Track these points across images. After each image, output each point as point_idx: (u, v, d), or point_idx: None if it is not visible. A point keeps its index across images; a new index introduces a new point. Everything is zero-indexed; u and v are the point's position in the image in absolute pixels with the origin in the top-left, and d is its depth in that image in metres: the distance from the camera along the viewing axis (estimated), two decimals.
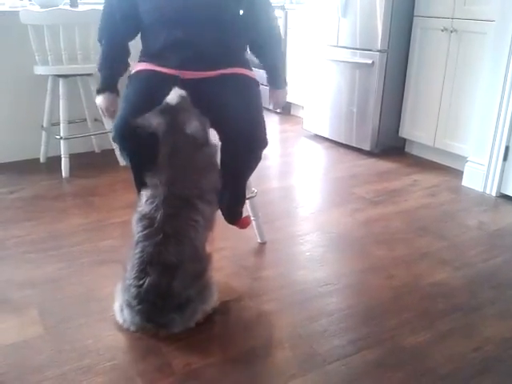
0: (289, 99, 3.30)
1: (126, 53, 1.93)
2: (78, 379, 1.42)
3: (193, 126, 1.58)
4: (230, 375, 1.45)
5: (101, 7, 1.92)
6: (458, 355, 1.54)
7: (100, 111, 2.03)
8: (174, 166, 1.60)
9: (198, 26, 1.76)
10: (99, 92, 1.94)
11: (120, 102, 1.88)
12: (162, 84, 1.70)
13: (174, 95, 1.61)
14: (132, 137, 1.66)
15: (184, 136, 1.58)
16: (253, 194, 2.13)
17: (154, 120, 1.57)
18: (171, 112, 1.59)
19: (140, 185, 1.72)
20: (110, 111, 1.97)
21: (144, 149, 1.67)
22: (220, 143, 1.76)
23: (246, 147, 1.75)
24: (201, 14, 1.76)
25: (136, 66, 1.90)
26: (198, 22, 1.76)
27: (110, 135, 1.90)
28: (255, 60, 1.99)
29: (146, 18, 1.81)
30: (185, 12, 1.75)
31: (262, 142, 1.80)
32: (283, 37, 4.24)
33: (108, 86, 1.93)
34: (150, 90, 1.75)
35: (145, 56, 1.89)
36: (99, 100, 1.94)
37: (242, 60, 1.92)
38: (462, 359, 1.52)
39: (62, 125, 2.96)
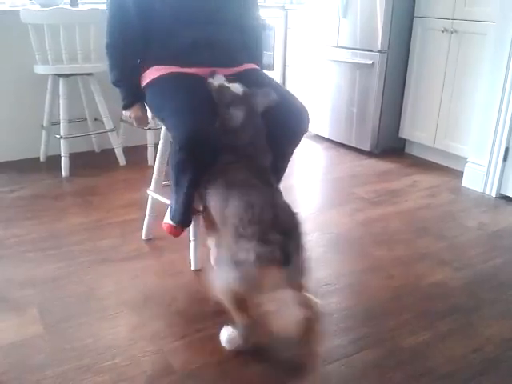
0: None
1: (139, 57, 1.88)
2: (78, 378, 1.42)
3: (260, 104, 1.68)
4: (229, 375, 1.45)
5: (101, 6, 1.91)
6: (457, 356, 1.54)
7: (128, 119, 1.99)
8: (257, 146, 1.66)
9: (220, 25, 1.84)
10: (128, 106, 1.89)
11: (157, 110, 1.81)
12: (200, 82, 1.73)
13: (235, 85, 1.69)
14: (207, 141, 1.61)
15: (259, 116, 1.68)
16: None
17: (239, 113, 1.63)
18: (245, 100, 1.66)
19: (196, 185, 1.71)
20: (144, 121, 1.93)
21: (216, 150, 1.64)
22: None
23: (297, 115, 1.79)
24: (220, 14, 1.85)
25: (153, 70, 1.82)
26: (219, 22, 1.85)
27: (176, 144, 1.66)
28: None
29: (165, 18, 1.79)
30: (208, 12, 1.82)
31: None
32: (283, 37, 4.24)
33: (136, 97, 1.88)
34: (197, 90, 1.72)
35: (159, 59, 1.83)
36: (131, 113, 1.90)
37: (252, 56, 2.00)
38: (462, 360, 1.52)
39: (62, 124, 2.96)
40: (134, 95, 1.88)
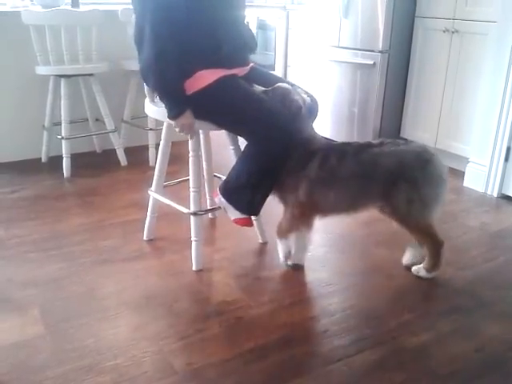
0: None
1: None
2: (79, 379, 1.42)
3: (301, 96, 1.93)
4: (231, 375, 1.45)
5: (102, 7, 1.89)
6: (459, 356, 1.54)
7: (179, 130, 1.85)
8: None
9: (242, 25, 1.96)
10: (179, 114, 1.80)
11: (227, 113, 1.82)
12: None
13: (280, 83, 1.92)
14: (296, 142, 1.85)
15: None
16: None
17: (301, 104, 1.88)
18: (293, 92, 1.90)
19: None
20: (193, 127, 1.86)
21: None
22: None
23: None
24: (241, 15, 1.96)
25: (203, 74, 1.80)
26: (242, 22, 1.96)
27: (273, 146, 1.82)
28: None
29: (211, 20, 1.80)
30: (236, 14, 1.91)
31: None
32: (284, 37, 4.24)
33: (186, 104, 1.81)
34: (253, 91, 1.87)
35: (205, 63, 1.81)
36: (182, 121, 1.81)
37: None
38: (464, 360, 1.52)
39: (63, 125, 2.96)
40: (184, 102, 1.80)
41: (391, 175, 1.76)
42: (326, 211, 1.92)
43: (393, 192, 1.78)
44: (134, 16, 1.82)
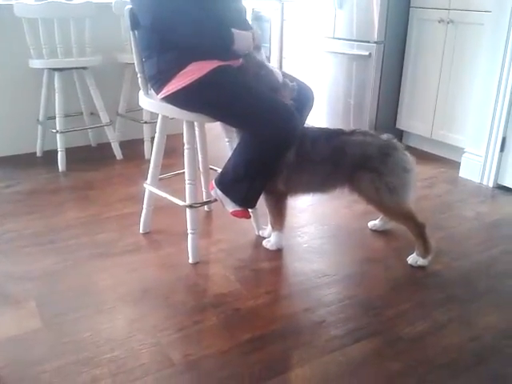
0: None
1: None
2: (77, 371, 1.42)
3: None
4: (228, 366, 1.46)
5: (95, 0, 1.88)
6: (455, 345, 1.55)
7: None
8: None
9: (240, 17, 1.95)
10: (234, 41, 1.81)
11: (226, 104, 1.81)
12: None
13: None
14: (297, 135, 1.85)
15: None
16: None
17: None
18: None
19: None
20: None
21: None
22: None
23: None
24: (238, 9, 1.95)
25: (198, 64, 1.80)
26: (241, 19, 1.95)
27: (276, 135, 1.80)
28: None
29: (203, 11, 1.79)
30: (234, 6, 1.91)
31: None
32: (279, 29, 4.23)
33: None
34: (249, 81, 1.86)
35: (199, 54, 1.81)
36: (239, 44, 1.83)
37: None
38: (459, 349, 1.53)
39: (57, 118, 2.95)
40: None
41: (355, 163, 1.90)
42: (297, 191, 2.05)
43: (358, 178, 1.92)
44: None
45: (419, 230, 1.95)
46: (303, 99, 2.00)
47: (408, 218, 1.95)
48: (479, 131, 2.81)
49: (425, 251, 1.96)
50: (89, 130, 3.38)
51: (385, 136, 1.94)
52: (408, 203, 1.94)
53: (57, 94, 2.93)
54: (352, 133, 1.93)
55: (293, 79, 1.97)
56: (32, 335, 1.57)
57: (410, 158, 1.93)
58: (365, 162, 1.88)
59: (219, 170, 2.02)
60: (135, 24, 1.85)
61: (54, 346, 1.52)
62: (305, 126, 2.01)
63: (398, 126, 3.49)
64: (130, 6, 1.84)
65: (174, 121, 2.09)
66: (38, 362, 1.46)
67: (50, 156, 3.12)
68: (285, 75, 1.97)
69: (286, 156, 1.87)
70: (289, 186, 1.97)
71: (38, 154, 3.24)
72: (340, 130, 1.97)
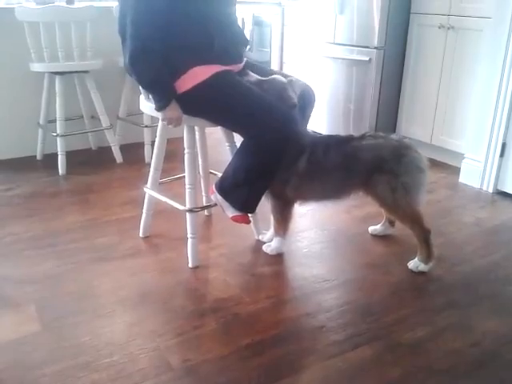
0: None
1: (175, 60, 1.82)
2: (76, 376, 1.42)
3: (298, 87, 1.98)
4: (227, 371, 1.45)
5: (96, 4, 1.89)
6: (455, 351, 1.54)
7: (167, 123, 1.87)
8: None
9: (236, 24, 1.97)
10: (165, 106, 1.80)
11: (225, 108, 1.82)
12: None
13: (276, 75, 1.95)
14: (296, 138, 1.87)
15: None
16: None
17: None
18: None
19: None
20: (181, 119, 1.85)
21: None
22: None
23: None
24: (233, 13, 1.96)
25: (199, 69, 1.80)
26: (235, 21, 1.97)
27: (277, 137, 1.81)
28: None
29: (202, 19, 1.80)
30: (228, 12, 1.92)
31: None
32: (280, 34, 4.24)
33: (173, 94, 1.80)
34: (250, 86, 1.87)
35: (199, 59, 1.81)
36: (169, 113, 1.81)
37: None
38: (460, 355, 1.53)
39: (58, 122, 2.95)
40: (171, 94, 1.80)
41: (370, 168, 1.89)
42: (308, 199, 2.05)
43: (374, 182, 1.90)
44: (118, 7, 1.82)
45: (424, 234, 1.95)
46: (305, 98, 2.00)
47: (416, 221, 1.95)
48: (479, 137, 2.81)
49: (427, 257, 1.96)
50: (89, 134, 3.38)
51: (395, 136, 1.94)
52: (419, 206, 1.94)
53: (57, 98, 2.93)
54: (362, 137, 1.92)
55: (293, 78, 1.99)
56: (32, 339, 1.57)
57: (423, 157, 1.92)
58: (380, 165, 1.88)
59: (219, 175, 2.02)
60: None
61: (53, 350, 1.52)
62: (315, 134, 2.04)
63: (397, 131, 3.49)
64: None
65: None
66: (37, 366, 1.45)
67: (50, 159, 3.12)
68: (285, 75, 1.98)
69: (297, 164, 1.87)
70: (299, 193, 1.97)
71: (39, 157, 3.24)
72: (350, 135, 1.96)
